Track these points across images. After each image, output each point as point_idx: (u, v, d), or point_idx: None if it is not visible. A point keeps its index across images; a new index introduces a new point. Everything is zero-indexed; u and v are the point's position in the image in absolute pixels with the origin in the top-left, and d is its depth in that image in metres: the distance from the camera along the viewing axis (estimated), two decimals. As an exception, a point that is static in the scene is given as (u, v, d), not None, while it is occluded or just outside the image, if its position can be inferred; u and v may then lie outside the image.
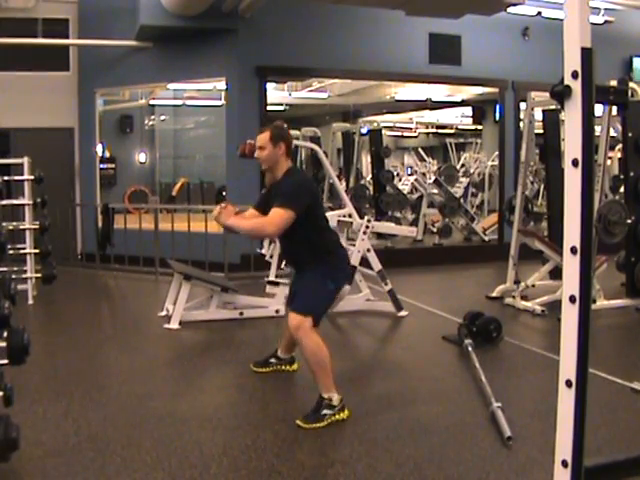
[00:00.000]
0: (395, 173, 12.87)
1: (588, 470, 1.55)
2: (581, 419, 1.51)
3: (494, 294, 6.62)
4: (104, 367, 4.48)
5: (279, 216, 3.34)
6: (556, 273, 6.32)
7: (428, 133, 18.64)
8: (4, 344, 2.68)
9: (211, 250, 7.62)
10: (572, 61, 1.47)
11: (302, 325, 3.33)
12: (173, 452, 2.98)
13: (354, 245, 5.80)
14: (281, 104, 13.12)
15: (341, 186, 7.46)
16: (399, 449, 3.03)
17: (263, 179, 6.87)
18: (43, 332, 5.46)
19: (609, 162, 8.20)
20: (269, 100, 8.86)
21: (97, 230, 8.40)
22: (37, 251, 6.32)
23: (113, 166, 12.71)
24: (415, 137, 18.44)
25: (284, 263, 5.29)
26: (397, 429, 3.28)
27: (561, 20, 1.52)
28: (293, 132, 10.47)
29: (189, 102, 13.55)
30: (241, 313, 5.72)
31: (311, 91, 13.06)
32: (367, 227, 5.78)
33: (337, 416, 3.32)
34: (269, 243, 6.39)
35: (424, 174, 11.92)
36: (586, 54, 1.46)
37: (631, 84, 6.21)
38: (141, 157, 13.94)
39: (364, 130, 11.56)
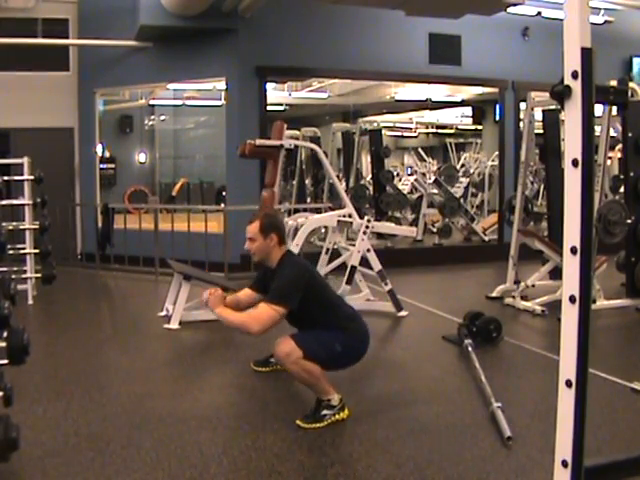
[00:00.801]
0: (395, 173, 12.88)
1: (588, 470, 1.55)
2: (581, 419, 1.51)
3: (494, 294, 6.62)
4: (104, 367, 4.48)
5: (267, 315, 3.20)
6: (556, 273, 6.32)
7: (428, 133, 18.62)
8: (4, 344, 2.68)
9: (211, 250, 7.63)
10: (572, 61, 1.47)
11: (285, 351, 3.18)
12: (173, 452, 2.98)
13: (354, 245, 5.81)
14: (281, 104, 13.11)
15: (341, 186, 7.45)
16: (399, 449, 3.03)
17: (263, 179, 6.90)
18: (43, 332, 5.47)
19: (609, 162, 8.22)
20: (269, 100, 8.86)
21: (97, 230, 8.41)
22: (37, 251, 6.32)
23: (113, 166, 12.72)
24: (415, 137, 18.43)
25: None
26: (397, 429, 3.27)
27: (561, 20, 1.52)
28: (293, 132, 10.47)
29: (189, 102, 13.54)
30: (241, 313, 5.70)
31: (311, 91, 13.06)
32: (367, 227, 5.77)
33: (337, 416, 3.31)
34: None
35: (424, 174, 11.92)
36: (586, 54, 1.46)
37: (631, 84, 6.21)
38: (141, 157, 13.94)
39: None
